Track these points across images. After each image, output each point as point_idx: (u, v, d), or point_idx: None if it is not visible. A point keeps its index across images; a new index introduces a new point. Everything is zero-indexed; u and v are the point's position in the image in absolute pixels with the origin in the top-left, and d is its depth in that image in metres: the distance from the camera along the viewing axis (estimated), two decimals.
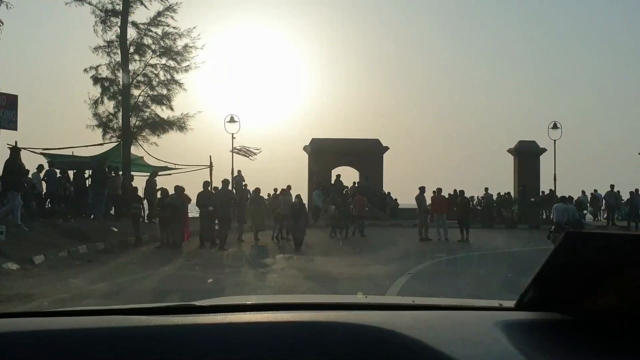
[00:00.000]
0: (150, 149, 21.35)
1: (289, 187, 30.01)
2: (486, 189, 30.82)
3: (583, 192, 31.07)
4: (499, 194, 31.72)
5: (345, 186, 29.50)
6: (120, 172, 19.36)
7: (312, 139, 31.94)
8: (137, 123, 20.22)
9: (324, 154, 31.01)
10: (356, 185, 30.04)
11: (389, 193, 32.81)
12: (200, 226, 18.31)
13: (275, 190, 25.50)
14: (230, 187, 18.03)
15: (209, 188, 18.26)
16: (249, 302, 1.81)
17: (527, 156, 33.42)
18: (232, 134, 26.60)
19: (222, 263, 13.89)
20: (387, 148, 32.16)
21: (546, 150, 33.02)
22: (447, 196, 23.14)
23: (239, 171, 28.21)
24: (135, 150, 20.90)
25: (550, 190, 31.12)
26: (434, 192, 22.90)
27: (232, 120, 26.85)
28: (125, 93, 19.74)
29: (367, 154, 31.56)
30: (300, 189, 30.89)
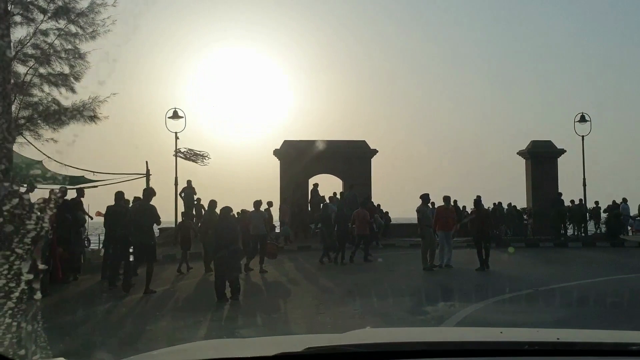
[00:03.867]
0: (60, 155, 15.49)
1: (285, 201, 24.30)
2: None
3: (625, 199, 25.54)
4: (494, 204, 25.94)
5: (322, 197, 23.75)
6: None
7: (284, 141, 26.20)
8: (20, 112, 14.33)
9: (298, 159, 25.20)
10: (337, 196, 24.28)
11: (379, 205, 27.07)
12: (103, 256, 12.54)
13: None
14: (149, 202, 12.10)
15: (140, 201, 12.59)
16: (419, 343, 1.78)
17: (542, 159, 27.99)
18: (176, 132, 20.86)
19: (91, 328, 7.99)
20: (375, 151, 26.46)
21: (565, 151, 27.69)
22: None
23: (188, 181, 22.40)
24: (27, 153, 15.01)
25: (573, 201, 25.55)
26: (432, 203, 16.98)
27: (175, 115, 21.09)
28: (3, 70, 13.85)
29: (351, 159, 25.82)
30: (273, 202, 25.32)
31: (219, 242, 9.78)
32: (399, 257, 17.98)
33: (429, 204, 15.46)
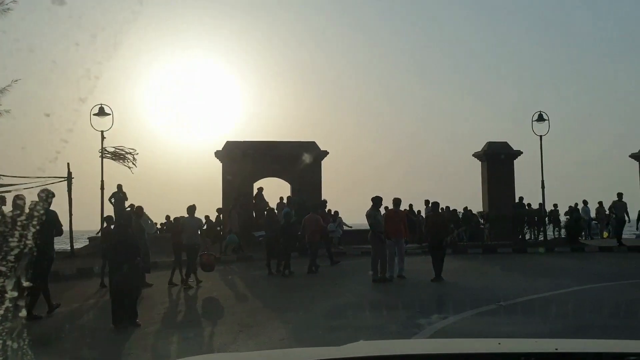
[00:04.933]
0: None
1: (235, 207, 22.27)
2: (427, 202, 23.49)
3: (585, 201, 24.74)
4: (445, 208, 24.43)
5: (267, 202, 22.04)
6: None
7: (227, 141, 24.35)
8: None
9: (242, 161, 23.38)
10: (284, 201, 22.59)
11: (329, 211, 25.48)
12: None
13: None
14: (49, 208, 10.13)
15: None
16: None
17: (498, 160, 26.99)
18: (102, 131, 18.77)
19: None
20: (326, 153, 24.88)
21: (522, 153, 26.81)
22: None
23: (119, 186, 20.34)
24: None
25: (530, 205, 24.55)
26: (386, 207, 15.17)
27: (101, 112, 19.02)
28: None
29: (300, 161, 24.14)
30: (213, 208, 23.50)
31: (115, 259, 7.95)
32: (348, 268, 16.39)
33: (382, 209, 13.92)
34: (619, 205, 20.55)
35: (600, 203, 25.46)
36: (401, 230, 13.26)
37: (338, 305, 9.65)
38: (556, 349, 1.74)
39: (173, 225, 16.43)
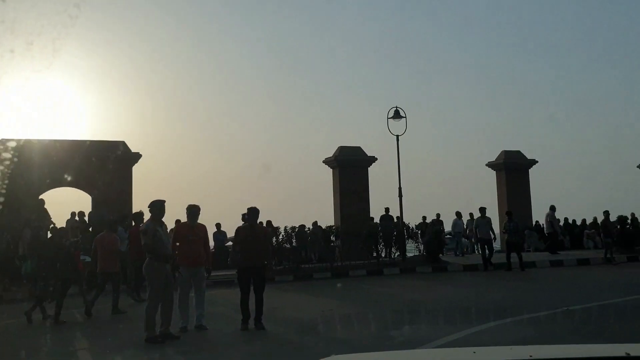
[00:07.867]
0: None
1: (28, 224, 15.44)
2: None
3: (458, 213, 21.71)
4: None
5: (49, 218, 16.42)
6: None
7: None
8: None
9: (23, 165, 17.42)
10: (77, 218, 17.07)
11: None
12: None
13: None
14: None
15: None
16: None
17: (350, 167, 23.71)
18: None
19: None
20: (138, 155, 19.63)
21: (376, 159, 23.74)
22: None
23: None
24: None
25: (391, 217, 21.12)
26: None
27: None
28: None
29: (102, 166, 18.66)
30: None
31: None
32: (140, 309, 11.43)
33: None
34: (482, 223, 17.57)
35: (459, 215, 22.73)
36: (200, 255, 8.62)
37: None
38: (530, 356, 1.77)
39: None
